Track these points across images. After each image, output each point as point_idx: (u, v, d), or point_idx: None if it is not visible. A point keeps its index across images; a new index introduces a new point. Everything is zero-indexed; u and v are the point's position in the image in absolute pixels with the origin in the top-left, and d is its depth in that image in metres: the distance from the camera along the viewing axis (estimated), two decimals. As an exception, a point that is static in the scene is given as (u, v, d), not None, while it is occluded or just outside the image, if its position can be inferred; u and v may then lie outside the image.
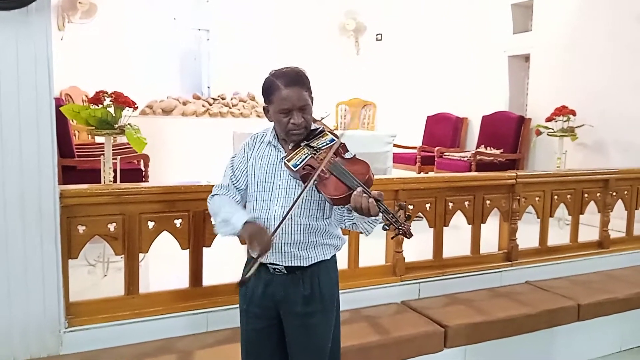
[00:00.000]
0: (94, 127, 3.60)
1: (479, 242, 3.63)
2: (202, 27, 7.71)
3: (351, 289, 3.09)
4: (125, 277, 2.70)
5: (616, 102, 5.27)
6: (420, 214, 3.38)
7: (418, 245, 3.37)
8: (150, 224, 2.71)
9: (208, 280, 2.85)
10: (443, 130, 7.05)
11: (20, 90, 2.33)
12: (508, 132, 6.11)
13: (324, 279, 1.93)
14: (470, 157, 5.87)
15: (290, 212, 1.78)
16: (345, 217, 1.89)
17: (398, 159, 6.32)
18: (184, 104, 7.35)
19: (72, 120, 3.95)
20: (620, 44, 5.25)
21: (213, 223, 2.01)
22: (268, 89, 1.89)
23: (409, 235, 1.69)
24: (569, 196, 4.01)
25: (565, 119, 5.30)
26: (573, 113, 5.27)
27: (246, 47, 7.56)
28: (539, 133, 5.63)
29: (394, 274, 3.31)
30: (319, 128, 1.97)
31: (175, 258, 2.89)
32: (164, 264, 3.49)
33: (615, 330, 3.68)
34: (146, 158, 4.55)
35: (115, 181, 3.74)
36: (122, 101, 3.61)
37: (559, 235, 4.31)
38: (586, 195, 4.09)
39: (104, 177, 3.64)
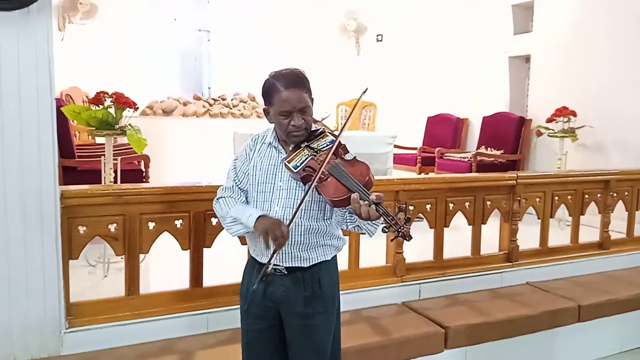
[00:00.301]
0: (94, 128, 3.60)
1: (480, 243, 3.63)
2: (202, 27, 7.71)
3: (352, 289, 3.09)
4: (126, 278, 2.70)
5: (617, 103, 5.27)
6: (420, 214, 3.38)
7: (418, 246, 3.36)
8: (151, 225, 2.71)
9: (208, 280, 2.85)
10: (443, 130, 7.05)
11: (21, 91, 2.34)
12: (508, 133, 6.11)
13: (325, 280, 1.94)
14: (470, 157, 5.87)
15: (296, 215, 1.79)
16: (348, 220, 1.90)
17: (398, 160, 6.32)
18: (185, 104, 7.36)
19: (73, 121, 3.95)
20: (620, 44, 5.25)
21: (224, 225, 1.99)
22: (268, 91, 1.89)
23: (408, 237, 1.68)
24: (569, 197, 4.01)
25: (565, 119, 5.30)
26: (573, 114, 5.27)
27: (247, 48, 7.57)
28: (539, 134, 5.64)
29: (395, 275, 3.31)
30: (319, 129, 1.97)
31: (176, 259, 2.89)
32: (165, 264, 3.49)
33: (616, 331, 3.68)
34: (147, 159, 4.55)
35: (115, 182, 3.74)
36: (122, 102, 3.61)
37: (559, 236, 4.31)
38: (587, 196, 4.09)
39: (105, 178, 3.64)
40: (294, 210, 1.80)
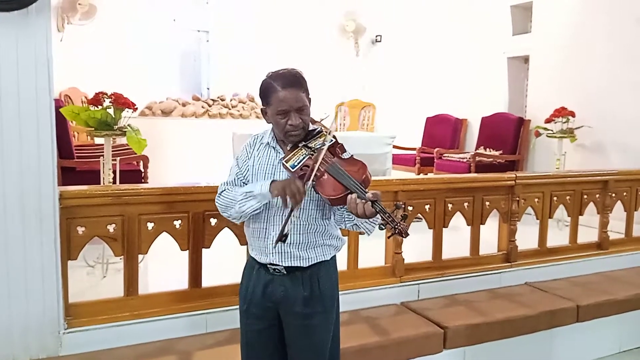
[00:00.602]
0: (93, 129, 3.60)
1: (479, 243, 3.64)
2: (201, 28, 7.71)
3: (351, 290, 3.09)
4: (125, 278, 2.70)
5: (615, 104, 5.28)
6: (419, 215, 3.38)
7: (417, 247, 3.38)
8: (150, 225, 2.71)
9: (207, 281, 2.85)
10: (442, 131, 7.05)
11: (20, 91, 2.33)
12: (507, 134, 6.11)
13: (324, 280, 1.94)
14: (469, 158, 5.87)
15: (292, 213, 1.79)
16: (346, 218, 1.90)
17: (397, 160, 6.32)
18: (184, 105, 7.36)
19: (72, 122, 3.95)
20: (619, 45, 5.26)
21: (233, 212, 1.93)
22: (265, 91, 1.89)
23: (405, 234, 1.69)
24: (568, 197, 4.01)
25: (564, 120, 5.31)
26: (572, 114, 5.28)
27: (246, 49, 7.57)
28: (538, 134, 5.64)
29: (394, 275, 3.31)
30: (317, 129, 1.98)
31: (175, 259, 2.89)
32: (164, 265, 3.49)
33: (615, 332, 3.69)
34: (145, 159, 4.55)
35: (114, 182, 3.74)
36: (121, 102, 3.61)
37: (558, 236, 4.31)
38: (585, 196, 4.09)
39: (104, 179, 3.64)
40: (290, 208, 1.80)
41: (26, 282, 2.41)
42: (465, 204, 3.55)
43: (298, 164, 1.84)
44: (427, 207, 3.40)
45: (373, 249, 3.24)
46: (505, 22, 6.41)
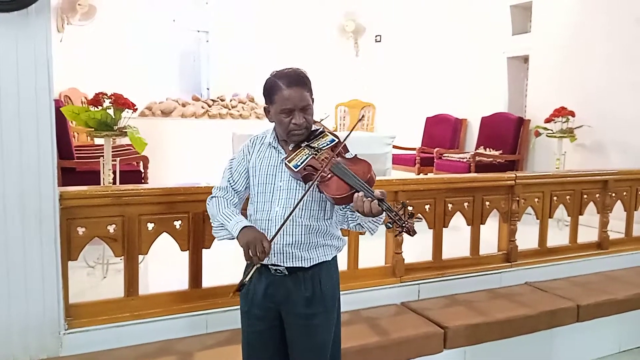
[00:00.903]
0: (93, 129, 3.60)
1: (479, 243, 3.64)
2: (201, 28, 7.71)
3: (351, 290, 3.09)
4: (125, 279, 2.70)
5: (615, 103, 5.28)
6: (419, 215, 3.38)
7: (417, 247, 3.38)
8: (150, 226, 2.71)
9: (207, 281, 2.85)
10: (442, 131, 7.06)
11: (20, 92, 2.33)
12: (507, 133, 6.12)
13: (325, 280, 1.94)
14: (469, 158, 5.88)
15: (292, 214, 1.79)
16: (349, 218, 1.90)
17: (397, 160, 6.32)
18: (183, 105, 7.36)
19: (72, 122, 3.95)
20: (619, 45, 5.26)
21: (212, 227, 2.03)
22: (270, 90, 1.90)
23: (412, 232, 1.69)
24: (568, 197, 4.01)
25: (564, 120, 5.31)
26: (572, 114, 5.28)
27: (245, 49, 7.57)
28: (538, 134, 5.64)
29: (394, 275, 3.31)
30: (319, 129, 1.98)
31: (175, 259, 2.89)
32: (164, 265, 3.49)
33: (615, 331, 3.69)
34: (145, 160, 4.55)
35: (114, 183, 3.74)
36: (121, 103, 3.61)
37: (558, 236, 4.32)
38: (585, 196, 4.09)
39: (104, 179, 3.64)
40: (293, 207, 1.81)
41: (26, 283, 2.41)
42: (465, 204, 3.55)
43: (301, 163, 1.84)
44: (427, 207, 3.40)
45: (373, 249, 3.24)
46: (504, 22, 6.41)
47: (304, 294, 1.90)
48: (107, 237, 2.65)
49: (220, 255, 2.94)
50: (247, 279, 1.78)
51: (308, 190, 1.79)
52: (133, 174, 4.48)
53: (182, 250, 2.79)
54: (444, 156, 6.37)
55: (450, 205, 3.48)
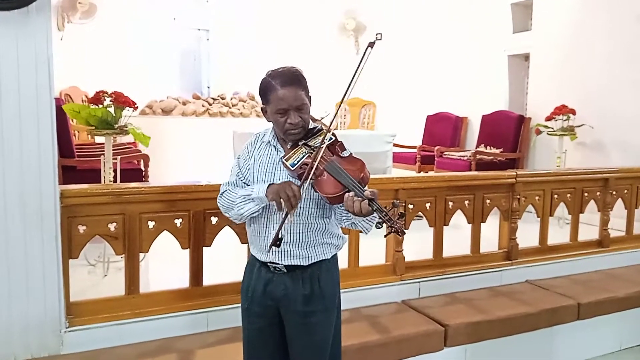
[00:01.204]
0: (94, 127, 3.60)
1: (479, 241, 3.64)
2: (202, 27, 7.71)
3: (351, 288, 3.09)
4: (126, 277, 2.70)
5: (616, 101, 5.28)
6: (420, 213, 3.38)
7: (418, 245, 3.38)
8: (151, 224, 2.71)
9: (208, 279, 2.85)
10: (443, 129, 7.05)
11: (20, 90, 2.34)
12: (508, 132, 6.11)
13: (325, 278, 1.94)
14: (470, 156, 5.87)
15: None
16: (344, 217, 1.90)
17: (398, 159, 6.32)
18: (184, 103, 7.36)
19: (72, 120, 3.95)
20: (619, 43, 5.25)
21: (233, 213, 1.95)
22: (265, 90, 1.89)
23: (401, 233, 1.69)
24: (568, 195, 4.01)
25: (565, 118, 5.30)
26: (573, 112, 5.27)
27: (246, 47, 7.57)
28: (538, 132, 5.64)
29: (394, 273, 3.31)
30: (317, 127, 1.98)
31: (176, 258, 2.89)
32: (165, 263, 3.49)
33: (615, 329, 3.69)
34: (146, 158, 4.56)
35: (115, 181, 3.74)
36: (122, 101, 3.62)
37: (559, 234, 4.32)
38: (586, 194, 4.09)
39: (104, 177, 3.65)
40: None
41: (27, 281, 2.41)
42: (466, 202, 3.55)
43: (297, 162, 1.84)
44: (427, 205, 3.40)
45: (374, 247, 3.24)
46: (505, 20, 6.41)
47: (302, 291, 1.90)
48: (108, 235, 2.65)
49: (221, 254, 2.95)
50: (281, 230, 1.75)
51: (301, 187, 1.78)
52: (134, 172, 4.48)
53: (182, 248, 2.80)
54: (444, 154, 6.36)
55: (451, 204, 3.48)
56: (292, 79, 1.86)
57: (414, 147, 6.70)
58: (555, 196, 3.95)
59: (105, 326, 2.60)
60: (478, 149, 6.15)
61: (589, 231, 4.18)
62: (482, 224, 3.64)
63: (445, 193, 3.46)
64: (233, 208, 1.93)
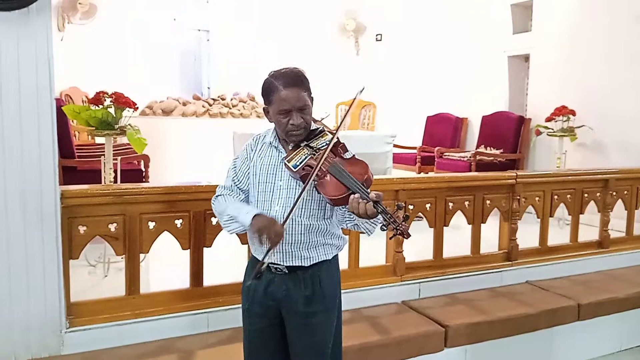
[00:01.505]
0: (94, 128, 3.60)
1: (479, 242, 3.64)
2: (202, 27, 7.71)
3: (352, 289, 3.09)
4: (126, 278, 2.70)
5: (616, 102, 5.28)
6: (420, 214, 3.39)
7: (418, 245, 3.37)
8: (151, 224, 2.71)
9: (209, 280, 2.85)
10: (443, 130, 7.06)
11: (21, 90, 2.34)
12: (508, 132, 6.12)
13: (326, 279, 1.94)
14: (470, 157, 5.88)
15: (292, 213, 1.79)
16: (347, 218, 1.90)
17: (398, 159, 6.32)
18: (184, 104, 7.36)
19: (73, 121, 3.95)
20: (619, 44, 5.26)
21: (221, 223, 2.00)
22: (267, 90, 1.89)
23: (406, 235, 1.69)
24: (569, 196, 4.01)
25: (565, 118, 5.31)
26: (573, 113, 5.28)
27: (246, 48, 7.57)
28: (538, 133, 5.64)
29: (395, 274, 3.31)
30: (319, 128, 1.97)
31: (176, 258, 2.90)
32: (165, 264, 3.49)
33: (615, 330, 3.69)
34: (146, 158, 4.56)
35: (115, 182, 3.75)
36: (122, 102, 3.62)
37: (559, 235, 4.32)
38: (586, 195, 4.09)
39: (105, 178, 3.65)
40: (291, 207, 1.80)
41: (28, 281, 2.42)
42: (466, 203, 3.55)
43: (300, 164, 1.84)
44: (427, 206, 3.40)
45: (374, 248, 3.24)
46: (505, 20, 6.41)
47: (303, 292, 1.90)
48: (108, 236, 2.65)
49: (221, 254, 2.95)
50: (263, 266, 1.80)
51: (304, 189, 1.79)
52: (134, 172, 4.49)
53: (183, 249, 2.80)
54: (444, 155, 6.37)
55: (451, 204, 3.48)
56: (295, 79, 1.86)
57: (414, 148, 6.70)
58: (556, 197, 3.95)
59: (106, 326, 2.60)
60: (478, 150, 6.15)
61: (589, 232, 4.18)
62: (482, 224, 3.64)
63: (445, 194, 3.46)
64: (222, 218, 1.98)
